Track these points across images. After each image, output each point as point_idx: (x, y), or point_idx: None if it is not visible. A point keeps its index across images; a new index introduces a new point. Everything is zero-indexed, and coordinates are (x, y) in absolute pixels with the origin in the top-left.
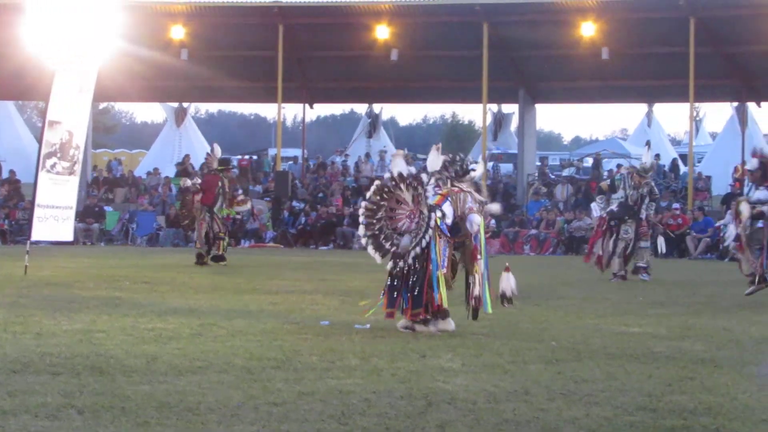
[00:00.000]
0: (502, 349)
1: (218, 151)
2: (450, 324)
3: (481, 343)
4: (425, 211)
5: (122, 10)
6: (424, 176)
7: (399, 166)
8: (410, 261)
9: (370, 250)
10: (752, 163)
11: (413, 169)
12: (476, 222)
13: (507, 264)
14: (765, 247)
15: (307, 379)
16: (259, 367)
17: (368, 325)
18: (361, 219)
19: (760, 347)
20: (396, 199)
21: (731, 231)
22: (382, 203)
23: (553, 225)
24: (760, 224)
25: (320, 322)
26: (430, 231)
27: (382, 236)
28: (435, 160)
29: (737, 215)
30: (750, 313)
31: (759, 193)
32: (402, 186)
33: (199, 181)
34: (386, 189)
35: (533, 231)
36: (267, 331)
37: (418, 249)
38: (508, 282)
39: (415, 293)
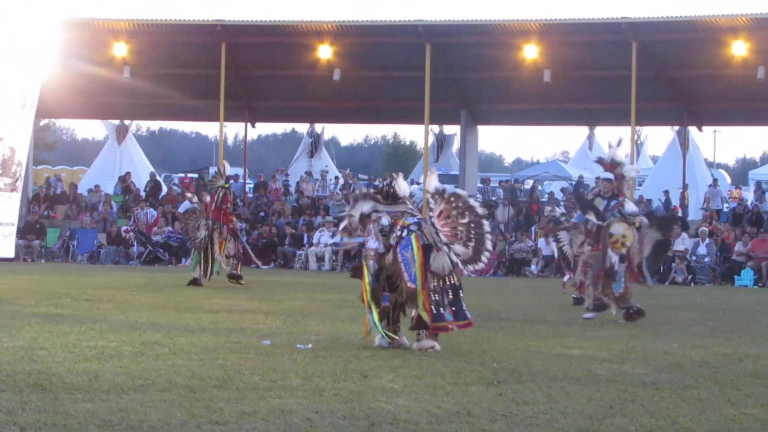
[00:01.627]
0: (444, 370)
1: (228, 169)
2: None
3: (423, 364)
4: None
5: (65, 26)
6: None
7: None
8: None
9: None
10: (608, 174)
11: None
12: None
13: None
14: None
15: (249, 398)
16: (201, 386)
17: (310, 345)
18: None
19: (700, 370)
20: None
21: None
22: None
23: (494, 247)
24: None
25: (262, 342)
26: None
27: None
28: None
29: (616, 242)
30: (690, 336)
31: (628, 206)
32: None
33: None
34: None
35: None
36: (209, 350)
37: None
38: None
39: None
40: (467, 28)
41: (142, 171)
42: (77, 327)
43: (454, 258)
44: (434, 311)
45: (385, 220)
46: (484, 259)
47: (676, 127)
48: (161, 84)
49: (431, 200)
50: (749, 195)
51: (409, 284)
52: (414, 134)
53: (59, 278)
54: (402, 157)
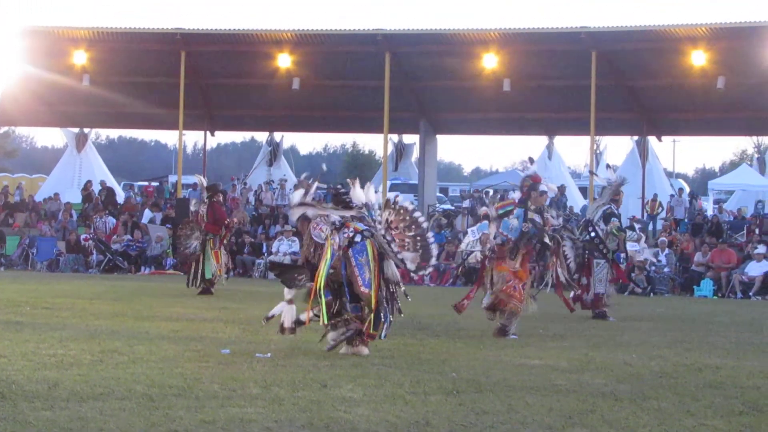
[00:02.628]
0: (403, 379)
1: (202, 180)
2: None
3: (382, 374)
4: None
5: (25, 34)
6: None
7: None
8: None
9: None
10: (544, 187)
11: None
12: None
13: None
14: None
15: (209, 407)
16: (161, 395)
17: (269, 354)
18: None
19: (659, 381)
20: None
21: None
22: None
23: (453, 256)
24: None
25: (221, 350)
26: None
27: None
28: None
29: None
30: (649, 347)
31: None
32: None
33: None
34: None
35: (433, 262)
36: (168, 359)
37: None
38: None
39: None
40: (427, 38)
41: (100, 179)
42: (36, 335)
43: (405, 265)
44: (381, 318)
45: (336, 218)
46: (429, 267)
47: (636, 137)
48: (121, 92)
49: (380, 210)
50: (709, 205)
51: (363, 288)
52: (373, 143)
53: (18, 286)
54: (362, 166)
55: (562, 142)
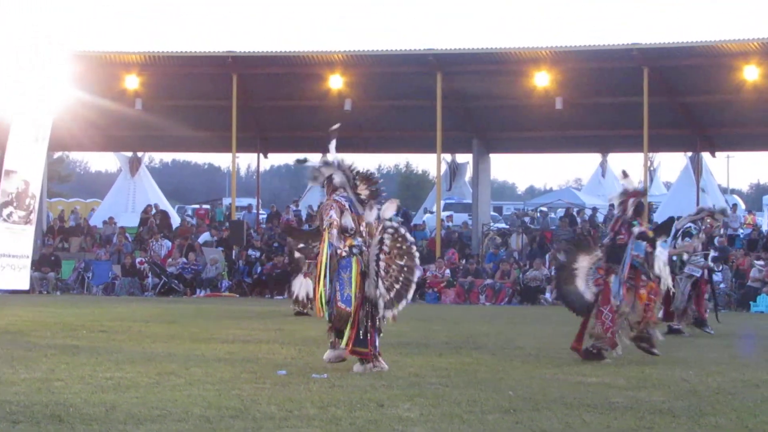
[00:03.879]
0: (460, 398)
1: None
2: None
3: (439, 393)
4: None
5: (77, 59)
6: None
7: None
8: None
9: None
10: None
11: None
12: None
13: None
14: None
15: (266, 428)
16: (218, 417)
17: (326, 375)
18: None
19: (717, 397)
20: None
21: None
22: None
23: (508, 275)
24: None
25: (277, 372)
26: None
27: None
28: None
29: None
30: (706, 363)
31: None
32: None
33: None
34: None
35: (488, 281)
36: (225, 380)
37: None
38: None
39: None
40: (478, 57)
41: (154, 203)
42: (93, 358)
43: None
44: (360, 336)
45: (348, 223)
46: (400, 307)
47: (689, 153)
48: (173, 116)
49: (381, 228)
50: (764, 220)
51: (340, 305)
52: (426, 163)
53: (75, 310)
54: (415, 186)
55: (615, 159)
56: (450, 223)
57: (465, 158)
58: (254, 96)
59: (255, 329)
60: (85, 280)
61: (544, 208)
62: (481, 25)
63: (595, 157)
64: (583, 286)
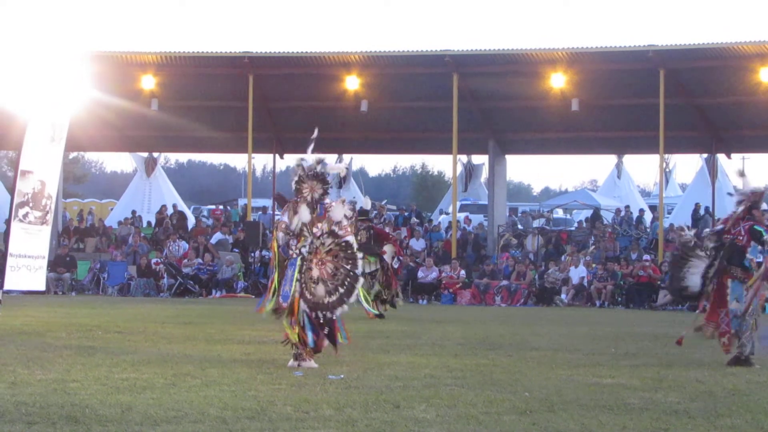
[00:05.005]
0: (476, 399)
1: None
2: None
3: (455, 394)
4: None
5: (93, 60)
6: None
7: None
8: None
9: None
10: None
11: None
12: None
13: None
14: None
15: (282, 429)
16: (234, 417)
17: (342, 376)
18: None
19: (733, 398)
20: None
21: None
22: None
23: (524, 276)
24: None
25: (294, 372)
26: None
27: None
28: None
29: None
30: (722, 364)
31: None
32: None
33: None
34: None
35: (504, 282)
36: (241, 381)
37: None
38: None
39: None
40: (494, 58)
41: (170, 203)
42: (109, 359)
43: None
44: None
45: (306, 217)
46: (338, 311)
47: (705, 155)
48: (189, 116)
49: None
50: None
51: (279, 298)
52: (442, 164)
53: (90, 311)
54: (431, 188)
55: (631, 160)
56: (467, 225)
57: (481, 159)
58: (270, 97)
59: (271, 330)
60: (100, 280)
61: (559, 211)
62: (497, 26)
63: (610, 159)
64: (694, 279)
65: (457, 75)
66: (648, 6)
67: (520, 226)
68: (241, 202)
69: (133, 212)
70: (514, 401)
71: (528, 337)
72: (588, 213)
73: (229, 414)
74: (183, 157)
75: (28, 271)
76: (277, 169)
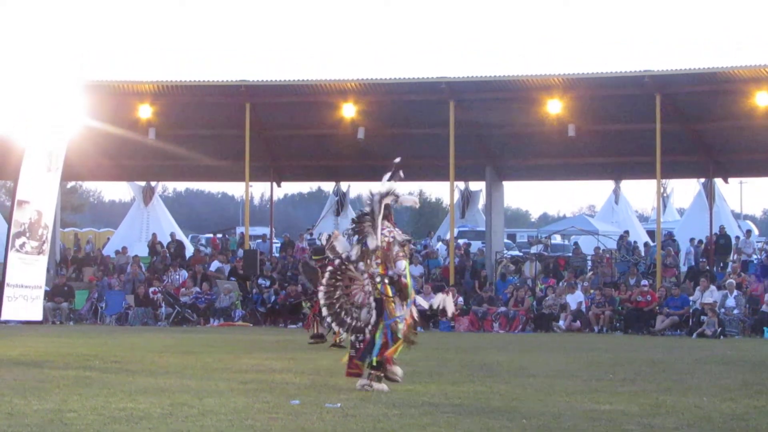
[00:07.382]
0: (474, 427)
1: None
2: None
3: (452, 422)
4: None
5: (90, 89)
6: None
7: (343, 246)
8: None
9: (334, 326)
10: None
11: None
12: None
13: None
14: None
15: None
16: None
17: (339, 404)
18: (321, 301)
19: (731, 424)
20: (349, 277)
21: None
22: (338, 284)
23: (522, 302)
24: None
25: (291, 401)
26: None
27: (343, 312)
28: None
29: None
30: (720, 389)
31: None
32: (351, 266)
33: None
34: (339, 272)
35: (502, 308)
36: (238, 410)
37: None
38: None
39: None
40: (490, 85)
41: (168, 232)
42: (106, 389)
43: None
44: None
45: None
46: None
47: (702, 179)
48: (187, 145)
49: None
50: None
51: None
52: (439, 191)
53: (88, 340)
54: (428, 214)
55: (628, 186)
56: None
57: (478, 186)
58: (267, 125)
59: (268, 359)
60: (98, 310)
61: (557, 237)
62: (493, 52)
63: (608, 184)
64: None
65: (454, 102)
66: (643, 32)
67: (518, 253)
68: (239, 230)
69: (124, 248)
70: (512, 428)
71: (526, 363)
72: (586, 239)
73: None
74: (181, 186)
75: (25, 301)
76: (275, 197)
